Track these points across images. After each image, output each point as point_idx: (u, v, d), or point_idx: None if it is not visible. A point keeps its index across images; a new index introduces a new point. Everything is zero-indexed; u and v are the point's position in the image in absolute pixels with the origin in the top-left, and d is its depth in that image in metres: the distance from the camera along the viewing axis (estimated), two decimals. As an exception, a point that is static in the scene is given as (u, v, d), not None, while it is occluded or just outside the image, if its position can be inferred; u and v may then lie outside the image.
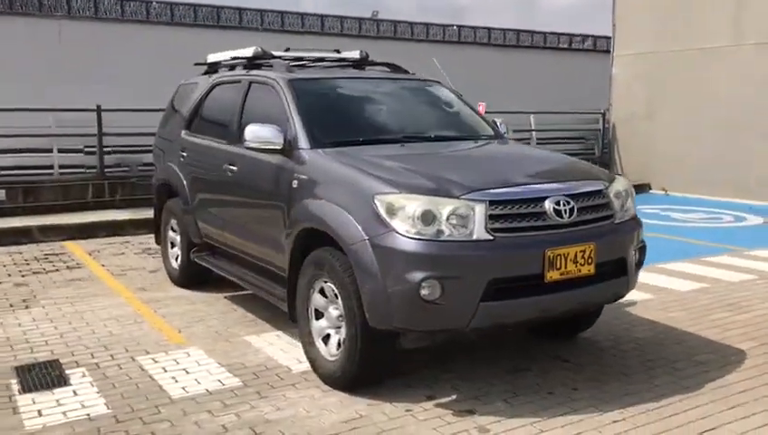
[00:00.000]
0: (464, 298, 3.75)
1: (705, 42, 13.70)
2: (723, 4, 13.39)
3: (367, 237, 3.88)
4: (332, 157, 4.49)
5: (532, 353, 4.86)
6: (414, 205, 3.79)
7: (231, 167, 5.47)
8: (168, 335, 5.38)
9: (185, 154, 6.42)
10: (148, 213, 10.02)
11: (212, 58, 6.86)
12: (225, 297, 6.40)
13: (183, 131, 6.59)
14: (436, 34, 27.37)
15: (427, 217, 3.77)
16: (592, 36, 30.03)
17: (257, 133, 4.74)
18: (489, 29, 29.04)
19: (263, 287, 5.17)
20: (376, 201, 3.90)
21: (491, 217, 3.82)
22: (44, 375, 4.60)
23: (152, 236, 9.25)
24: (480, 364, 4.67)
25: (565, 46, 28.73)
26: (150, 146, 11.41)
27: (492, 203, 3.84)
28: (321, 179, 4.39)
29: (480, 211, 3.80)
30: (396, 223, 3.81)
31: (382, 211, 3.86)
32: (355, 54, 6.39)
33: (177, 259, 6.85)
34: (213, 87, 6.31)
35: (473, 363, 4.68)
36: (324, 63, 6.26)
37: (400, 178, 4.02)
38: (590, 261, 4.02)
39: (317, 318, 4.47)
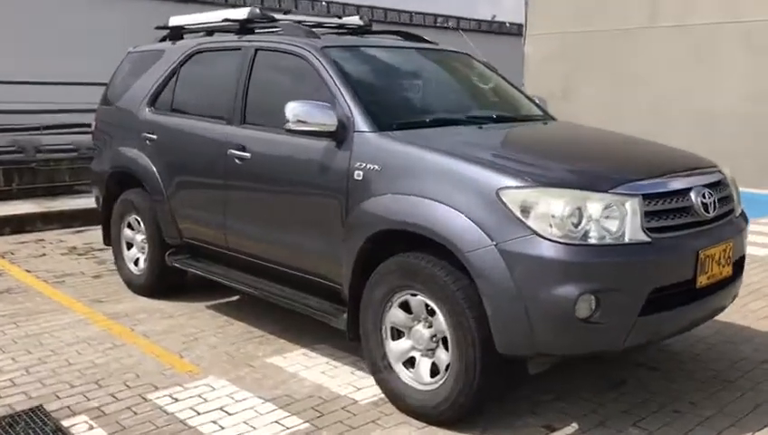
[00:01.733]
0: (622, 314, 3.11)
1: (621, 22, 13.81)
2: (637, -15, 13.53)
3: (494, 242, 3.13)
4: (412, 142, 3.67)
5: (611, 361, 4.32)
6: (560, 202, 3.08)
7: (240, 153, 4.48)
8: (170, 362, 4.35)
9: (153, 137, 5.29)
10: (58, 205, 8.70)
11: (175, 21, 5.74)
12: (208, 307, 5.40)
13: (147, 109, 5.45)
14: (305, 9, 26.53)
15: (576, 217, 3.09)
16: (456, 17, 30.21)
17: (303, 112, 3.82)
18: (358, 7, 28.53)
19: (292, 299, 4.27)
20: (502, 197, 3.16)
21: (646, 215, 3.20)
22: (36, 431, 3.49)
23: (71, 232, 8.04)
24: (570, 378, 4.07)
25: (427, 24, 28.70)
26: (54, 128, 10.04)
27: (645, 197, 3.22)
28: (403, 170, 3.56)
29: (632, 208, 3.16)
30: (535, 224, 3.09)
31: (514, 209, 3.13)
32: (356, 20, 5.55)
33: (136, 263, 5.72)
34: (191, 55, 5.23)
35: (562, 377, 4.07)
36: (323, 29, 5.36)
37: (530, 169, 3.29)
38: (728, 261, 3.52)
39: (394, 338, 3.68)
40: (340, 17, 5.55)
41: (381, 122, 3.84)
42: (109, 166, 5.79)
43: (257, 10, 4.96)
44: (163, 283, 5.53)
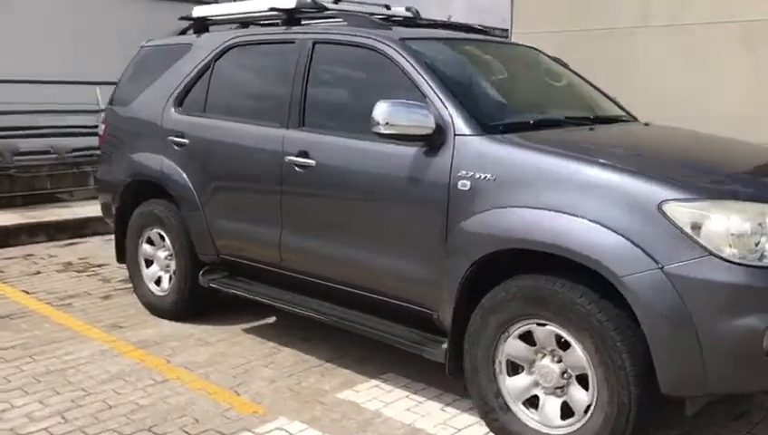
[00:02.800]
0: (805, 344, 2.70)
1: (612, 22, 13.56)
2: (628, -16, 13.30)
3: (659, 265, 2.68)
4: (532, 147, 3.18)
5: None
6: (741, 217, 2.65)
7: (301, 160, 3.93)
8: (227, 401, 3.78)
9: (185, 141, 4.69)
10: (42, 215, 7.95)
11: (200, 12, 5.14)
12: (246, 331, 4.82)
13: (173, 111, 4.84)
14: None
15: (758, 235, 2.66)
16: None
17: (395, 114, 3.31)
18: None
19: (372, 327, 3.75)
20: (666, 211, 2.71)
21: (823, 230, 2.79)
22: (97, 497, 2.90)
23: (61, 245, 7.32)
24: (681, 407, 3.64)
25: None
26: (32, 129, 9.23)
27: None
28: (528, 180, 3.07)
29: None
30: (710, 243, 2.65)
31: (683, 226, 2.68)
32: (402, 11, 5.05)
33: (158, 282, 5.10)
34: (227, 49, 4.64)
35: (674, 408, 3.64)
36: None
37: (695, 179, 2.85)
38: None
39: (510, 373, 3.20)
40: (388, 7, 5.02)
41: (485, 124, 3.35)
42: (125, 174, 5.14)
43: (306, -4, 4.41)
44: (192, 305, 4.93)
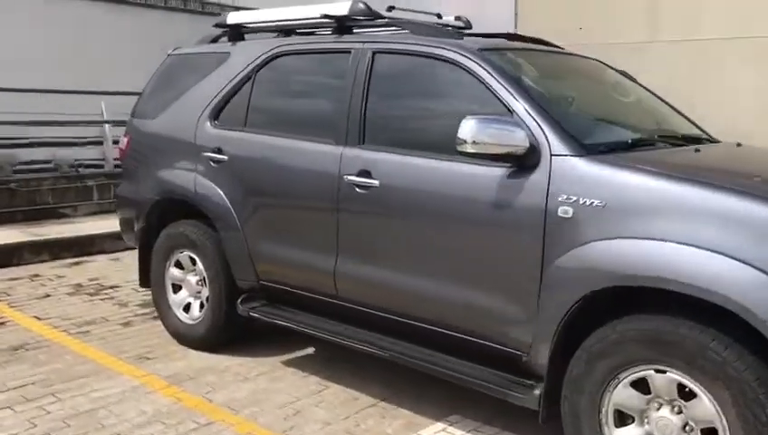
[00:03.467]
0: None
1: (619, 36, 13.37)
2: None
3: (815, 308, 2.36)
4: (647, 170, 2.84)
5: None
6: None
7: (363, 180, 3.57)
8: (284, 449, 3.40)
9: (222, 158, 4.31)
10: (45, 232, 7.51)
11: (236, 18, 4.77)
12: (285, 364, 4.44)
13: (208, 124, 4.47)
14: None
15: None
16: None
17: (484, 131, 2.96)
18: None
19: (449, 368, 3.37)
20: (819, 247, 2.39)
21: None
22: None
23: (67, 265, 6.89)
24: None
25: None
26: (31, 139, 8.81)
27: None
28: (647, 208, 2.71)
29: None
30: None
31: None
32: (451, 20, 4.72)
33: (186, 309, 4.71)
34: (271, 59, 4.27)
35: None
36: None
37: None
38: None
39: (618, 424, 2.85)
40: (440, 16, 4.69)
41: (584, 144, 3.02)
42: (152, 192, 4.74)
43: (361, 5, 4.06)
44: (227, 334, 4.55)
